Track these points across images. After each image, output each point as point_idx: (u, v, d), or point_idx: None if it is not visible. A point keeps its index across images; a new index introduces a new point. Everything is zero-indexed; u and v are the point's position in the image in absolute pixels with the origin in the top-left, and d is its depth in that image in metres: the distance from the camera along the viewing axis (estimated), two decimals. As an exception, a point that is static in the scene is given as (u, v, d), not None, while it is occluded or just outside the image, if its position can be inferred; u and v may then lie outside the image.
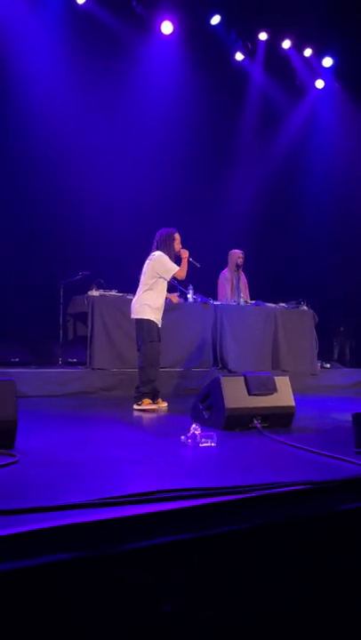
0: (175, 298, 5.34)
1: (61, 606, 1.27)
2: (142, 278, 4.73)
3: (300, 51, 8.95)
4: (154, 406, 4.54)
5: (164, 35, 8.02)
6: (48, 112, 7.13)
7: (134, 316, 4.70)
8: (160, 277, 4.67)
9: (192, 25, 8.08)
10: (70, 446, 3.01)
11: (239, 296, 6.79)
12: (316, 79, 9.36)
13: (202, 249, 7.84)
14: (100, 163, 7.55)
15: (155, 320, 4.64)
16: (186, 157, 8.27)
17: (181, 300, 6.22)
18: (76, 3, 7.28)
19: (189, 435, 2.97)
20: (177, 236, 4.84)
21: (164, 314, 4.84)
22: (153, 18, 7.86)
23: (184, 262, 4.80)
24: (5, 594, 1.22)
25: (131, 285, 5.64)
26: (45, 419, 4.08)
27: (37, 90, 7.09)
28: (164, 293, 4.79)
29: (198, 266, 4.96)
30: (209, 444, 2.95)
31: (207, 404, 3.68)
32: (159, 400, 4.74)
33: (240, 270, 6.92)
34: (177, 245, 4.80)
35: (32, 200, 7.12)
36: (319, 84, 9.40)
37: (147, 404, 4.53)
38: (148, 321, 4.61)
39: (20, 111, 7.01)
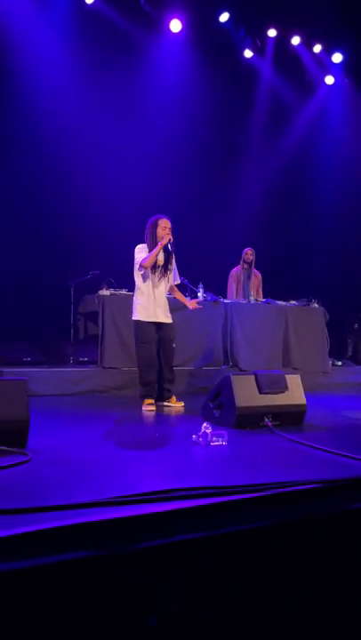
0: (193, 303, 4.87)
1: (75, 604, 1.28)
2: None
3: (310, 47, 8.90)
4: (151, 407, 4.41)
5: (173, 33, 8.02)
6: (56, 110, 7.16)
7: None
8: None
9: (201, 23, 8.07)
10: (82, 445, 3.02)
11: (247, 294, 6.79)
12: (325, 75, 9.30)
13: (210, 246, 7.90)
14: (109, 161, 7.57)
15: (144, 319, 4.50)
16: (195, 155, 8.27)
17: (195, 299, 6.19)
18: (84, 2, 7.30)
19: (200, 433, 2.98)
20: (161, 222, 4.51)
21: (172, 312, 4.76)
22: (161, 16, 7.86)
23: (154, 249, 4.41)
24: (20, 592, 1.23)
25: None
26: (57, 417, 4.10)
27: (45, 88, 7.12)
28: (152, 288, 4.50)
29: (170, 250, 4.50)
30: (220, 443, 2.95)
31: (218, 403, 3.68)
32: (172, 399, 4.64)
33: (252, 268, 6.91)
34: (161, 232, 4.48)
35: (41, 199, 7.15)
36: (329, 80, 9.35)
37: (146, 404, 4.45)
38: (139, 322, 4.51)
39: (28, 109, 7.03)
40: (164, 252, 4.52)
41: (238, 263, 7.03)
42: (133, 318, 4.57)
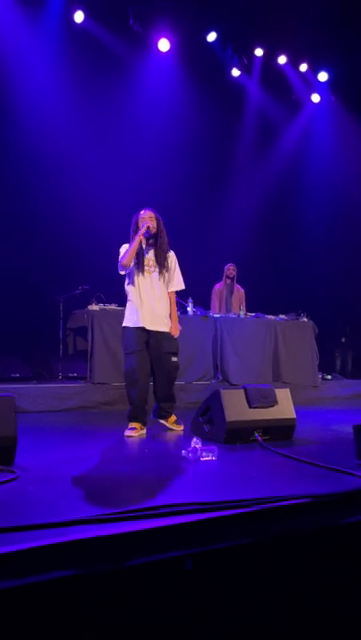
0: (175, 328, 4.07)
1: (61, 624, 1.26)
2: None
3: (296, 66, 9.06)
4: (131, 433, 3.79)
5: (162, 52, 8.13)
6: (46, 126, 7.21)
7: None
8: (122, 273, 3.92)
9: (189, 42, 8.19)
10: (71, 462, 2.99)
11: (229, 309, 6.88)
12: (311, 93, 9.46)
13: (200, 261, 7.93)
14: (99, 177, 7.62)
15: (131, 326, 3.87)
16: (184, 173, 8.34)
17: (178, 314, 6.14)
18: (73, 21, 7.39)
19: (190, 449, 2.96)
20: (141, 214, 3.92)
21: None
22: (150, 35, 7.97)
23: (131, 243, 3.81)
24: (7, 612, 1.20)
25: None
26: (46, 434, 4.06)
27: (35, 105, 7.18)
28: (139, 290, 3.88)
29: (145, 235, 3.87)
30: (210, 458, 2.94)
31: (208, 418, 3.67)
32: (170, 419, 4.04)
33: (234, 283, 7.02)
34: (140, 223, 3.88)
35: (30, 214, 7.16)
36: (315, 98, 9.51)
37: (129, 427, 3.85)
38: (124, 329, 3.92)
39: (19, 126, 7.07)
40: (149, 244, 3.89)
41: (222, 279, 7.13)
42: (123, 325, 3.99)
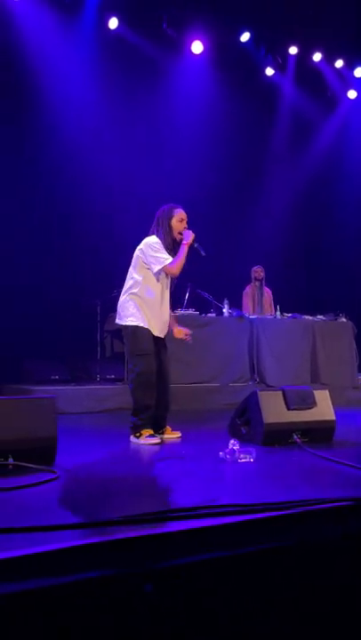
0: (180, 332, 3.85)
1: (105, 620, 1.27)
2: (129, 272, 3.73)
3: (331, 62, 8.91)
4: (155, 440, 3.53)
5: (195, 54, 8.14)
6: (79, 131, 7.28)
7: (118, 320, 3.72)
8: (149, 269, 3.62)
9: (222, 43, 8.17)
10: (109, 462, 3.02)
11: (260, 311, 6.85)
12: (348, 90, 9.30)
13: (232, 263, 7.91)
14: (133, 180, 7.67)
15: (147, 327, 3.59)
16: (218, 172, 8.33)
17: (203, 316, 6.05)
18: (107, 27, 7.49)
19: (228, 450, 2.95)
20: (179, 213, 3.69)
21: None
22: (183, 38, 7.99)
23: (181, 251, 3.58)
24: (48, 609, 1.22)
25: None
26: (84, 435, 4.12)
27: (70, 112, 7.28)
28: (162, 295, 3.66)
29: (203, 254, 3.68)
30: (248, 460, 2.92)
31: (245, 419, 3.64)
32: (167, 429, 3.75)
33: (263, 285, 6.99)
34: (178, 225, 3.66)
35: (67, 219, 7.27)
36: (351, 94, 9.34)
37: (146, 435, 3.54)
38: (142, 328, 3.58)
39: (53, 130, 7.16)
40: (174, 250, 3.67)
41: (250, 281, 7.11)
42: (131, 323, 3.60)
